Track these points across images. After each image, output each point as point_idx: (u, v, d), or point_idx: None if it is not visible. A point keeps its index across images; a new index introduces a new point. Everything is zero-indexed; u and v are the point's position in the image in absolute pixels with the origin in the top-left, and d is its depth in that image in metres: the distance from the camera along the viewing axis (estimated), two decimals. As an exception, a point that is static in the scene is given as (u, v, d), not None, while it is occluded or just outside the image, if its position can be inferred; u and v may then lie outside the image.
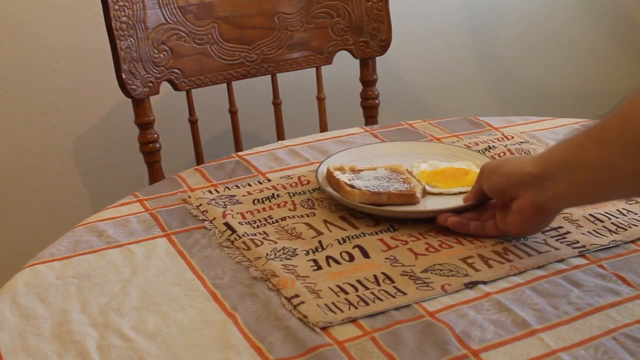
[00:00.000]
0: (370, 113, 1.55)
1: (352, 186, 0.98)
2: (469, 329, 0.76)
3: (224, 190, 1.06)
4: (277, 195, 1.04)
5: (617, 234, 0.93)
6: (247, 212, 1.00)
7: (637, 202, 1.00)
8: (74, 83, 1.73)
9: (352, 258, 0.89)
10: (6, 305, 0.82)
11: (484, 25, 2.15)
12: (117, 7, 1.27)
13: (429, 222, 0.96)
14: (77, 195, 1.82)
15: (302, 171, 1.11)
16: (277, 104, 1.50)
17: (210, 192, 1.05)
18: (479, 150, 1.15)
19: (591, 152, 0.76)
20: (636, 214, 0.97)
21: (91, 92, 1.75)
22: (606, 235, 0.92)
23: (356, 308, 0.79)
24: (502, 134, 1.23)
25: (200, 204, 1.02)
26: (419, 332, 0.76)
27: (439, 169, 1.06)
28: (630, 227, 0.94)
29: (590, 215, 0.97)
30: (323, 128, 1.52)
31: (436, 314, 0.79)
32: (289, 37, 1.45)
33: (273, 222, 0.97)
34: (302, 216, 0.99)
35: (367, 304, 0.80)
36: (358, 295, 0.81)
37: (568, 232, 0.93)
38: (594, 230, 0.94)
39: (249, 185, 1.07)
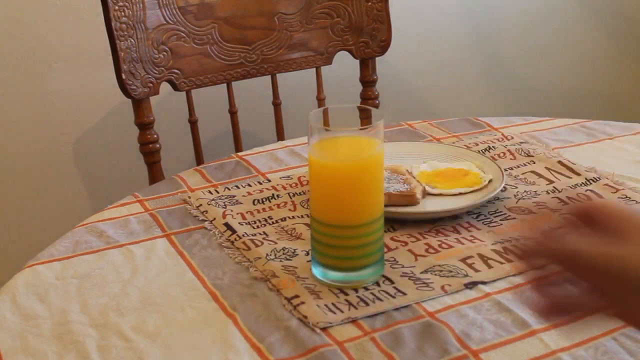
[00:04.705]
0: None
1: (352, 186, 0.99)
2: (468, 329, 0.76)
3: (224, 190, 1.06)
4: (277, 196, 1.04)
5: (617, 234, 0.92)
6: (247, 212, 1.00)
7: (637, 202, 1.00)
8: (74, 83, 1.73)
9: (352, 258, 0.89)
10: (6, 305, 0.82)
11: (484, 25, 2.15)
12: (117, 7, 1.27)
13: (429, 223, 0.96)
14: (77, 195, 1.82)
15: (302, 171, 1.11)
16: (277, 104, 1.50)
17: (210, 192, 1.05)
18: (478, 151, 1.15)
19: None
20: (636, 214, 0.97)
21: (91, 92, 1.75)
22: (606, 236, 0.92)
23: (356, 308, 0.79)
24: (502, 134, 1.23)
25: (200, 204, 1.02)
26: (418, 333, 0.76)
27: (438, 169, 1.06)
28: (630, 227, 0.94)
29: (590, 215, 0.97)
30: (323, 128, 1.52)
31: (436, 314, 0.79)
32: (289, 37, 1.45)
33: (273, 223, 0.97)
34: (302, 216, 0.99)
35: (367, 304, 0.80)
36: (358, 296, 0.81)
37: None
38: (593, 230, 0.93)
39: (249, 185, 1.07)
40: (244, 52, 1.42)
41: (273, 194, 1.04)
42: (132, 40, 1.29)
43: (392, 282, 0.84)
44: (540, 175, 1.09)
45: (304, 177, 1.09)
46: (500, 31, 2.18)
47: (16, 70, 1.68)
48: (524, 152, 1.15)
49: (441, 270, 0.86)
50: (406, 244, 0.91)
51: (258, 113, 1.81)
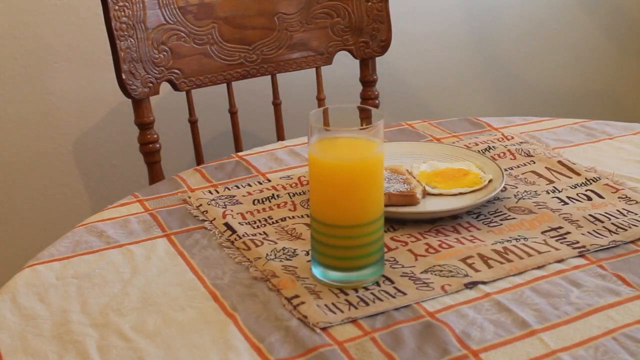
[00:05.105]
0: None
1: (352, 186, 0.99)
2: (468, 329, 0.76)
3: (224, 190, 1.06)
4: (277, 196, 1.04)
5: (617, 234, 0.93)
6: (247, 212, 1.00)
7: (637, 202, 1.00)
8: (74, 83, 1.73)
9: (352, 258, 0.89)
10: (6, 305, 0.82)
11: (484, 25, 2.15)
12: (117, 7, 1.27)
13: (429, 223, 0.96)
14: (77, 195, 1.82)
15: (302, 171, 1.11)
16: (277, 104, 1.50)
17: (210, 192, 1.05)
18: (478, 151, 1.15)
19: None
20: (636, 214, 0.97)
21: (91, 92, 1.75)
22: (606, 236, 0.92)
23: (356, 308, 0.79)
24: (502, 135, 1.23)
25: (200, 204, 1.02)
26: (418, 333, 0.76)
27: (438, 169, 1.06)
28: (630, 227, 0.94)
29: (590, 215, 0.97)
30: (323, 128, 1.52)
31: (436, 314, 0.79)
32: (289, 37, 1.45)
33: (273, 223, 0.97)
34: (302, 216, 0.99)
35: (367, 304, 0.80)
36: (358, 296, 0.81)
37: (568, 233, 0.93)
38: (594, 230, 0.94)
39: (249, 185, 1.07)
40: (244, 52, 1.42)
41: (273, 194, 1.04)
42: (132, 40, 1.29)
43: (392, 282, 0.84)
44: (540, 175, 1.09)
45: (304, 177, 1.09)
46: (501, 31, 2.18)
47: (16, 70, 1.68)
48: (524, 152, 1.15)
49: (441, 270, 0.86)
50: (406, 244, 0.91)
51: (258, 113, 1.81)
